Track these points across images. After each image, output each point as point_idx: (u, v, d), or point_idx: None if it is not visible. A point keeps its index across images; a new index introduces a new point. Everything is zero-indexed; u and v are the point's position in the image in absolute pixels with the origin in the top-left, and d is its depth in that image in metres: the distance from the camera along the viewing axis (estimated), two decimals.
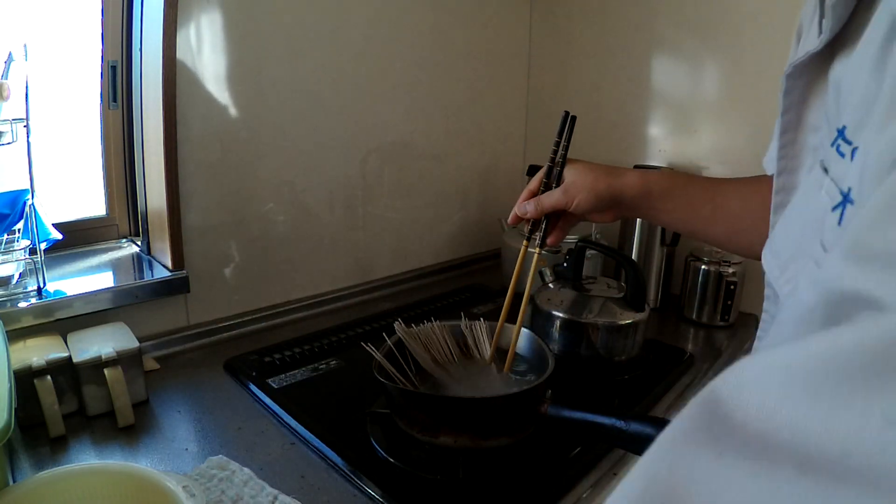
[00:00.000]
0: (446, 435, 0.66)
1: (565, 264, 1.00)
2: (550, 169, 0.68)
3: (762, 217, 0.59)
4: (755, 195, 0.64)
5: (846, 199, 0.25)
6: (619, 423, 0.60)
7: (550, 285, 1.01)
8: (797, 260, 0.33)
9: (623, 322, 0.91)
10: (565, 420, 0.66)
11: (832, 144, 0.30)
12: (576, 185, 0.65)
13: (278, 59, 1.02)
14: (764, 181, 0.64)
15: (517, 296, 0.73)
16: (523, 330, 0.81)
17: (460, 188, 1.43)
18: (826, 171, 0.30)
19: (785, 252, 0.35)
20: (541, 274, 1.05)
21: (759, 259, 0.50)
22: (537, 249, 0.69)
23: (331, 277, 1.19)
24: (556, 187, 0.67)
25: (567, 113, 0.69)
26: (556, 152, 0.69)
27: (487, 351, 0.76)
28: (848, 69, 0.33)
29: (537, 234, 0.69)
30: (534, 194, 0.68)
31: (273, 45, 1.01)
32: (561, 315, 0.93)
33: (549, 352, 0.74)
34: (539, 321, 0.96)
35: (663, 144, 1.32)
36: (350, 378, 0.91)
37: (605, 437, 0.62)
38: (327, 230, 1.17)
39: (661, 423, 0.58)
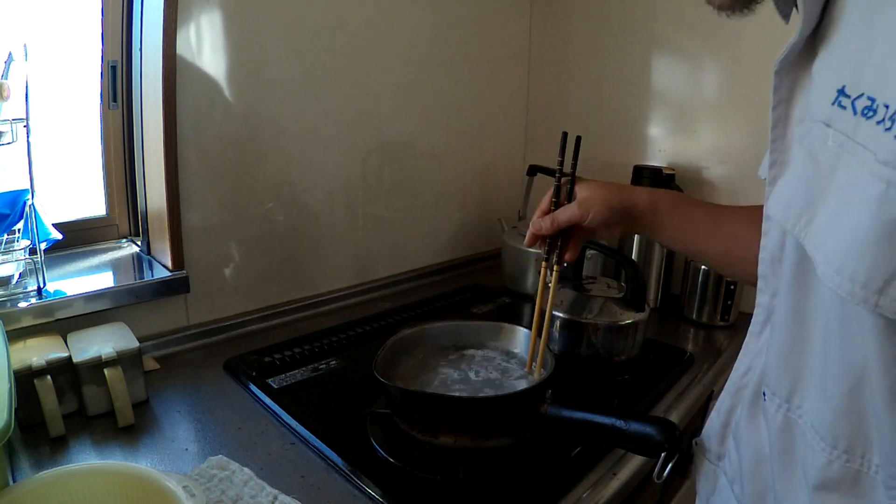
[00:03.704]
0: (446, 435, 0.66)
1: (565, 265, 1.00)
2: (558, 188, 0.69)
3: (758, 240, 0.61)
4: (755, 220, 0.66)
5: None
6: (619, 423, 0.60)
7: (549, 298, 1.01)
8: (814, 202, 0.39)
9: (623, 322, 0.91)
10: (565, 420, 0.66)
11: (833, 103, 0.37)
12: (589, 200, 0.67)
13: (278, 58, 1.02)
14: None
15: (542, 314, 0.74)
16: (523, 330, 0.81)
17: (460, 188, 1.43)
18: (829, 126, 0.38)
19: (797, 202, 0.40)
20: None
21: (750, 283, 0.55)
22: (556, 267, 0.71)
23: (331, 277, 1.19)
24: (566, 204, 0.69)
25: (566, 134, 0.71)
26: (560, 171, 0.70)
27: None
28: (834, 49, 0.39)
29: (554, 253, 0.71)
30: (546, 213, 0.70)
31: (273, 45, 1.01)
32: (561, 315, 0.93)
33: (550, 352, 0.74)
34: (540, 321, 0.96)
35: (663, 144, 1.32)
36: (350, 378, 0.91)
37: (605, 437, 0.62)
38: (327, 230, 1.17)
39: (661, 423, 0.58)
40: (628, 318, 0.91)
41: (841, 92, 0.37)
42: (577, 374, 0.92)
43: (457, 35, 1.32)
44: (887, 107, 0.33)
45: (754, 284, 0.64)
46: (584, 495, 0.66)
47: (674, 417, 0.84)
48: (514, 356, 0.80)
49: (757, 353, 0.53)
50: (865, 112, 0.34)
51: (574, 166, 0.70)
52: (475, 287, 1.34)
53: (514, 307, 1.24)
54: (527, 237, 0.71)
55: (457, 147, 1.39)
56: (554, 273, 0.71)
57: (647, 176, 1.24)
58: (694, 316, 1.18)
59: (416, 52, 1.25)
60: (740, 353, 0.56)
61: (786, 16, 0.47)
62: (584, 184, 0.69)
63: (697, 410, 0.93)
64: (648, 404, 0.86)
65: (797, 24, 0.42)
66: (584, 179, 0.69)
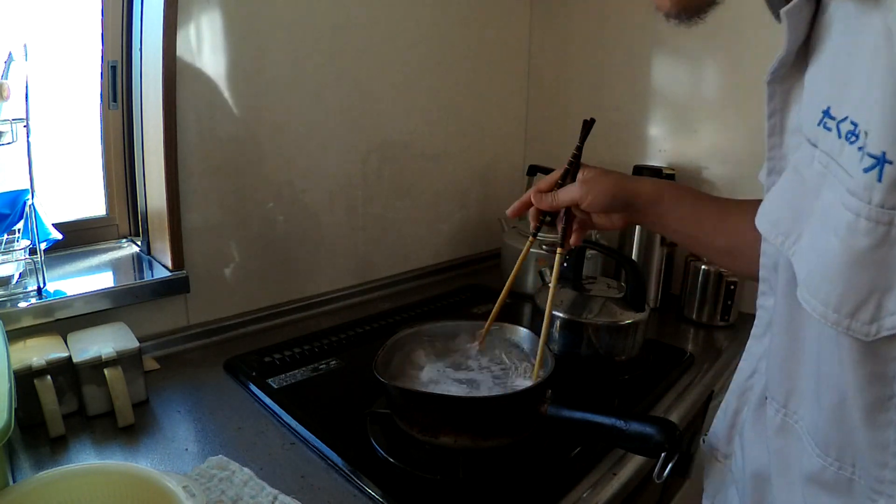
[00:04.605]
0: (446, 435, 0.66)
1: (565, 264, 1.00)
2: (567, 171, 0.69)
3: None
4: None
5: (882, 160, 0.31)
6: (619, 423, 0.60)
7: (551, 285, 1.01)
8: (801, 221, 0.39)
9: (623, 322, 0.91)
10: (565, 420, 0.66)
11: (818, 124, 0.37)
12: (591, 182, 0.66)
13: (278, 58, 1.02)
14: None
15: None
16: (523, 330, 0.81)
17: (460, 188, 1.43)
18: (815, 145, 0.38)
19: (785, 220, 0.41)
20: (541, 274, 1.05)
21: (754, 279, 0.56)
22: (559, 250, 0.70)
23: (331, 277, 1.19)
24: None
25: (586, 121, 0.70)
26: (576, 156, 0.69)
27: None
28: (821, 66, 0.39)
29: (550, 231, 0.70)
30: (545, 191, 0.69)
31: (273, 45, 1.01)
32: (561, 315, 0.93)
33: (549, 352, 0.74)
34: (539, 321, 0.96)
35: (663, 144, 1.32)
36: (350, 378, 0.91)
37: (605, 437, 0.62)
38: (327, 230, 1.17)
39: (661, 423, 0.58)
40: (628, 318, 0.91)
41: (826, 113, 0.36)
42: (577, 374, 0.92)
43: (457, 35, 1.32)
44: (867, 134, 0.32)
45: (756, 280, 0.64)
46: (584, 495, 0.66)
47: (674, 417, 0.84)
48: (514, 355, 0.79)
49: (762, 355, 0.53)
50: (849, 136, 0.34)
51: (580, 149, 0.69)
52: (475, 287, 1.34)
53: (514, 307, 1.24)
54: (511, 208, 0.70)
55: (457, 147, 1.39)
56: (557, 256, 0.70)
57: (647, 176, 1.24)
58: (694, 316, 1.18)
59: (416, 52, 1.24)
60: (743, 355, 0.56)
61: (777, 16, 0.47)
62: (589, 168, 0.68)
63: (697, 410, 0.93)
64: (648, 404, 0.86)
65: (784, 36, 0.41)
66: (590, 166, 0.69)
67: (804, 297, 0.37)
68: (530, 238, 0.71)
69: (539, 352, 0.73)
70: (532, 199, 0.69)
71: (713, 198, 0.69)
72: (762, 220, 0.44)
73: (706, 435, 0.60)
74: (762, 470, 0.51)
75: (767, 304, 0.52)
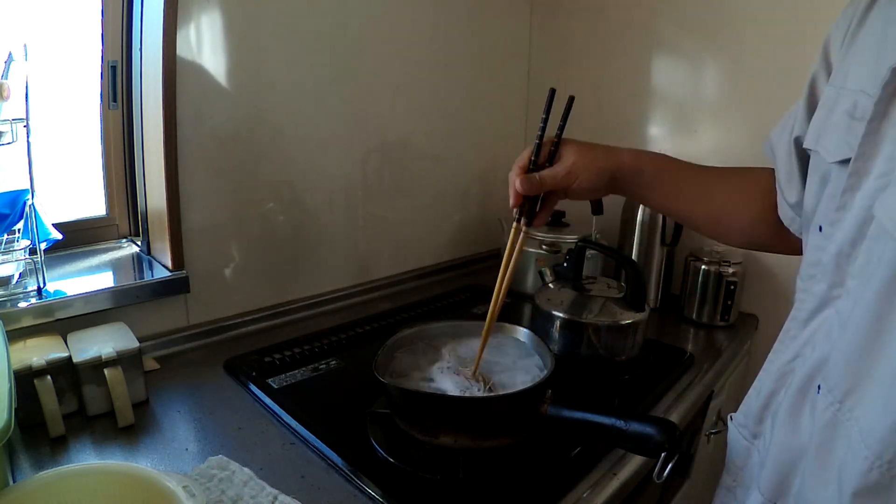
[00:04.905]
0: (446, 435, 0.66)
1: (565, 264, 1.01)
2: (538, 147, 0.66)
3: (744, 204, 0.61)
4: (739, 184, 0.67)
5: None
6: (619, 423, 0.60)
7: (550, 285, 1.01)
8: None
9: (623, 322, 0.91)
10: (565, 420, 0.66)
11: None
12: (577, 166, 0.64)
13: (278, 59, 1.02)
14: (748, 174, 0.66)
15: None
16: (524, 330, 0.81)
17: (460, 188, 1.43)
18: None
19: None
20: (541, 274, 1.05)
21: (735, 245, 0.53)
22: (524, 229, 0.67)
23: (331, 277, 1.19)
24: (549, 166, 0.65)
25: (554, 91, 0.66)
26: (543, 129, 0.66)
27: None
28: None
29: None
30: (524, 170, 0.66)
31: (273, 45, 1.01)
32: (561, 315, 0.93)
33: (549, 352, 0.74)
34: (539, 321, 0.96)
35: (663, 144, 1.32)
36: (350, 378, 0.91)
37: (605, 437, 0.62)
38: (327, 230, 1.17)
39: (661, 423, 0.58)
40: (628, 318, 0.91)
41: None
42: (577, 374, 0.92)
43: (457, 35, 1.32)
44: None
45: (737, 246, 0.63)
46: (584, 495, 0.66)
47: (674, 417, 0.84)
48: (515, 355, 0.79)
49: (806, 341, 0.52)
50: None
51: (562, 129, 0.66)
52: (475, 287, 1.34)
53: (514, 307, 1.24)
54: (511, 197, 0.66)
55: (457, 147, 1.39)
56: (521, 235, 0.67)
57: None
58: (694, 316, 1.18)
59: (416, 52, 1.24)
60: (781, 338, 0.55)
61: None
62: (570, 147, 0.65)
63: (697, 410, 0.93)
64: (648, 404, 0.86)
65: None
66: (568, 140, 0.66)
67: None
68: (515, 224, 0.66)
69: (499, 302, 0.70)
70: (518, 187, 0.65)
71: (693, 167, 0.67)
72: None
73: (735, 413, 0.59)
74: (790, 458, 0.50)
75: (816, 290, 0.51)
